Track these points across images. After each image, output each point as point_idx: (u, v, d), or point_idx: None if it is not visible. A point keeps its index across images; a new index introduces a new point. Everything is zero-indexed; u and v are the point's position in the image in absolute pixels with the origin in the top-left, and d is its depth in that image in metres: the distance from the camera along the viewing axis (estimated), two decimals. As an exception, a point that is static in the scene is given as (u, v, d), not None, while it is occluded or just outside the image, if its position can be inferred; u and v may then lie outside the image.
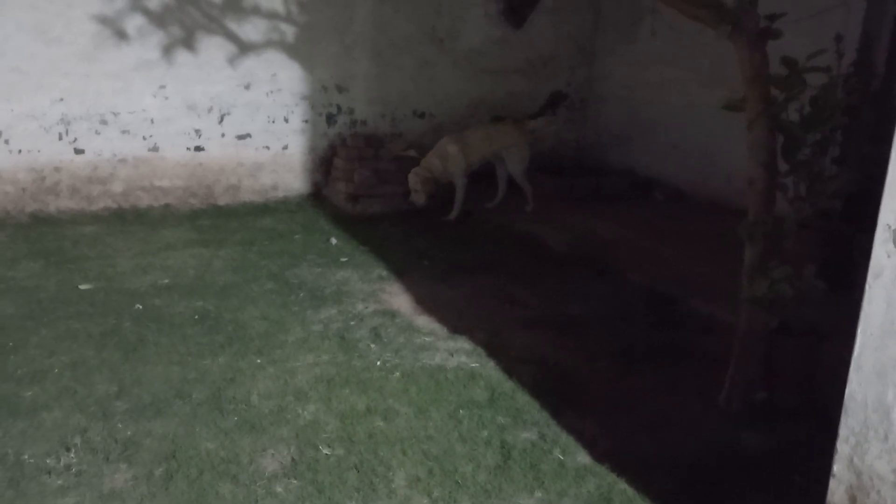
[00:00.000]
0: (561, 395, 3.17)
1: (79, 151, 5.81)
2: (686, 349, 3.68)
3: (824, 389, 3.05)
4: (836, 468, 1.97)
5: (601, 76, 7.60)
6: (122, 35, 5.67)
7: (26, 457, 2.64)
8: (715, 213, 5.85)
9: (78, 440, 2.75)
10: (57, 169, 5.74)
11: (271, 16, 6.16)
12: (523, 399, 3.15)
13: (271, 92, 6.36)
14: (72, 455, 2.66)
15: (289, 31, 6.27)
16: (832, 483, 1.98)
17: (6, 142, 5.56)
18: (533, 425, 2.94)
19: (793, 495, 2.55)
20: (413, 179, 5.87)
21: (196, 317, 3.90)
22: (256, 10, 6.06)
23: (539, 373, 3.38)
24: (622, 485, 2.57)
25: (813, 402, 3.04)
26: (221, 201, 6.33)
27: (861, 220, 3.88)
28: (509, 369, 3.40)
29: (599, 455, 2.74)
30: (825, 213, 3.46)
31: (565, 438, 2.84)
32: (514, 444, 2.80)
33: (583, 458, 2.73)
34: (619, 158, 7.34)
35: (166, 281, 4.41)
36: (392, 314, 4.04)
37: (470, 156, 6.04)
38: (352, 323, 3.91)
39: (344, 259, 4.98)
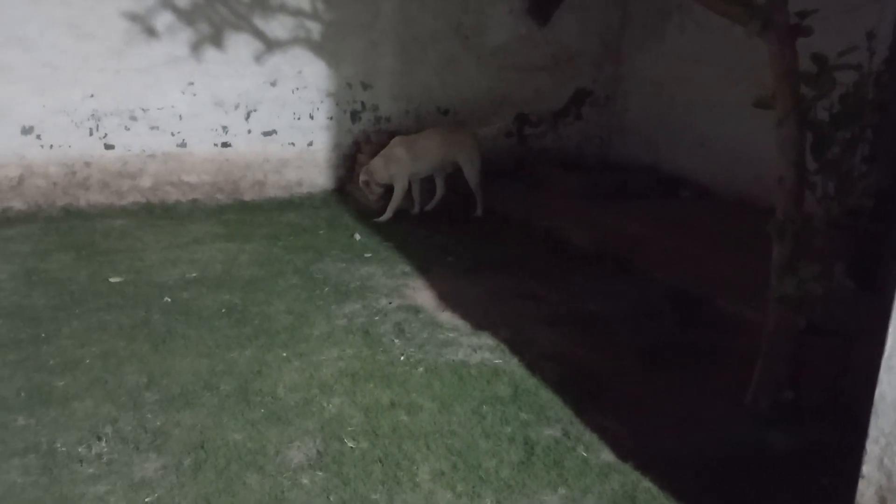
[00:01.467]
0: (585, 393, 3.17)
1: (109, 147, 5.90)
2: (712, 348, 3.66)
3: (852, 390, 3.02)
4: (865, 469, 1.96)
5: (627, 73, 7.55)
6: (151, 32, 5.74)
7: (59, 445, 2.70)
8: (742, 212, 5.80)
9: (109, 430, 2.80)
10: (87, 164, 5.83)
11: (298, 13, 6.20)
12: (547, 396, 3.15)
13: (297, 89, 6.41)
14: (103, 444, 2.72)
15: (315, 29, 6.31)
16: (861, 484, 1.97)
17: (38, 137, 5.66)
18: (556, 422, 2.95)
19: (820, 496, 2.54)
20: (360, 181, 5.97)
21: (223, 310, 3.95)
22: (283, 8, 6.10)
23: (563, 370, 3.39)
24: (646, 483, 2.56)
25: (841, 402, 3.01)
26: (247, 196, 6.39)
27: (891, 219, 3.84)
28: (533, 366, 3.41)
29: (623, 453, 2.73)
30: (854, 212, 3.42)
31: (589, 436, 2.85)
32: (537, 441, 2.80)
33: (607, 455, 2.73)
34: (645, 155, 7.29)
35: (194, 274, 4.47)
36: (416, 310, 4.06)
37: (418, 160, 5.94)
38: (376, 318, 3.93)
39: (368, 255, 5.01)
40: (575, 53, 7.40)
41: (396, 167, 5.87)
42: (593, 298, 4.28)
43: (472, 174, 6.02)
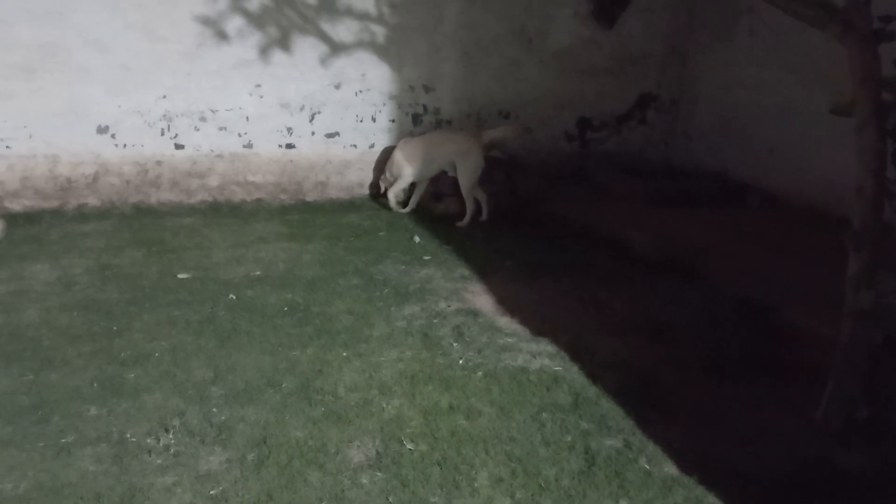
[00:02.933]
0: (647, 403, 3.11)
1: (179, 147, 6.08)
2: (780, 361, 3.55)
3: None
4: (949, 495, 1.86)
5: (694, 76, 7.40)
6: (222, 35, 5.89)
7: (129, 435, 2.79)
8: (812, 221, 5.61)
9: (176, 422, 2.88)
10: (159, 163, 6.02)
11: (363, 17, 6.28)
12: (608, 405, 3.10)
13: (360, 91, 6.49)
14: (170, 436, 2.79)
15: (379, 32, 6.38)
16: (944, 510, 1.88)
17: (113, 136, 5.87)
18: (618, 432, 2.90)
19: (896, 520, 2.43)
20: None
21: (286, 308, 4.02)
22: (349, 12, 6.19)
23: (625, 379, 3.33)
24: (711, 498, 2.49)
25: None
26: (310, 197, 6.50)
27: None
28: (593, 374, 3.36)
29: (688, 466, 2.67)
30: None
31: (652, 447, 2.79)
32: (598, 451, 2.76)
33: (670, 468, 2.67)
34: (711, 161, 7.13)
35: (258, 273, 4.56)
36: (475, 313, 4.05)
37: (413, 162, 6.01)
38: (435, 321, 3.94)
39: (427, 257, 5.03)
40: (640, 56, 7.29)
41: (396, 168, 6.08)
42: (657, 306, 4.20)
43: (464, 179, 5.93)
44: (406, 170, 6.06)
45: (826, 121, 3.61)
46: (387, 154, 6.46)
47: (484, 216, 6.04)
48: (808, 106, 5.81)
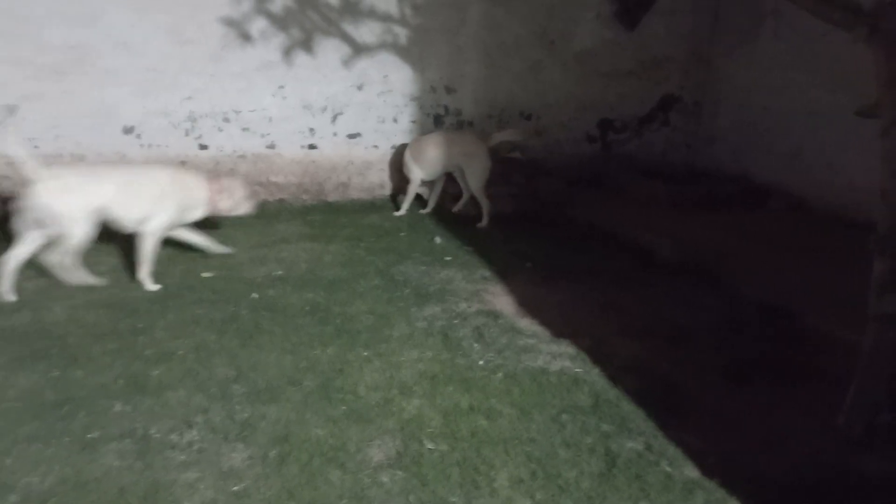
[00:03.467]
0: (668, 407, 3.09)
1: (203, 147, 6.15)
2: (802, 366, 3.51)
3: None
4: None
5: (717, 79, 7.35)
6: (246, 37, 5.96)
7: (153, 432, 2.82)
8: (836, 225, 5.55)
9: (200, 419, 2.92)
10: (183, 163, 6.08)
11: (385, 18, 6.31)
12: (629, 408, 3.09)
13: (382, 93, 6.52)
14: (194, 433, 2.83)
15: (402, 34, 6.41)
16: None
17: (138, 136, 5.95)
18: (639, 435, 2.89)
19: (921, 528, 2.40)
20: None
21: (307, 308, 4.05)
22: (372, 13, 6.22)
23: (645, 382, 3.31)
24: (732, 502, 2.48)
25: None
26: (331, 198, 6.54)
27: None
28: (614, 377, 3.35)
29: (708, 470, 2.65)
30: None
31: (672, 451, 2.78)
32: (618, 453, 2.75)
33: (691, 471, 2.66)
34: (734, 165, 7.08)
35: (280, 272, 4.61)
36: (495, 315, 4.06)
37: (418, 163, 6.03)
38: (455, 321, 3.95)
39: (448, 258, 5.04)
40: (662, 59, 7.26)
41: (406, 168, 6.14)
42: (677, 310, 4.18)
43: (473, 180, 5.94)
44: (415, 170, 6.08)
45: (850, 124, 3.57)
46: (398, 154, 6.52)
47: (456, 208, 6.15)
48: (832, 109, 5.76)
